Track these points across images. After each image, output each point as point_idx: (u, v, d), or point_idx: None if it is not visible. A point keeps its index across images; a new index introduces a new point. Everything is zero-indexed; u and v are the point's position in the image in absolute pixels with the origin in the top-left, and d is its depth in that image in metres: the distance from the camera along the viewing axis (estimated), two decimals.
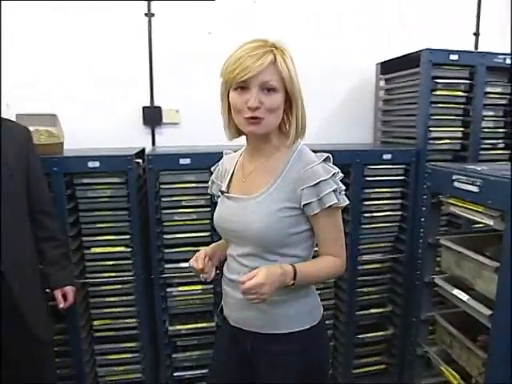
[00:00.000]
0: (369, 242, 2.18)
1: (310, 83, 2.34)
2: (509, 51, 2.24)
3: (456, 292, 1.61)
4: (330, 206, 1.08)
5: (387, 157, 2.10)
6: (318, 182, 1.07)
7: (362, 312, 2.26)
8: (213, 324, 2.08)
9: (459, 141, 2.17)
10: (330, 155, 1.12)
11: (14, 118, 1.76)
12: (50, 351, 1.73)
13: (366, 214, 2.12)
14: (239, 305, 1.18)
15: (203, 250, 1.22)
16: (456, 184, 1.60)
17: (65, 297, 1.68)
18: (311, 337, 1.18)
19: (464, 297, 1.56)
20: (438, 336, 1.78)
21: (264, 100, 1.04)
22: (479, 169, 1.58)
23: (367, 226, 2.14)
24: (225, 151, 1.33)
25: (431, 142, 2.12)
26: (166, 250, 1.97)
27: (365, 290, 2.24)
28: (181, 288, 2.04)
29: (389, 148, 2.26)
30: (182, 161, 1.88)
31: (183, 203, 1.94)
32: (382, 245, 2.22)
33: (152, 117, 2.29)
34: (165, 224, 1.95)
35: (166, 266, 1.99)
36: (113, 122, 2.21)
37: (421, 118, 2.10)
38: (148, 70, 2.26)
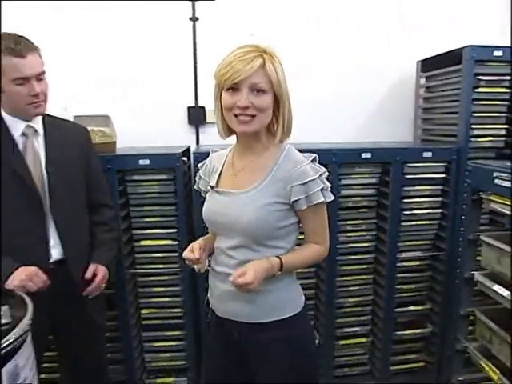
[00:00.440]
0: (408, 239, 2.19)
1: (351, 83, 2.43)
2: None
3: (497, 288, 1.61)
4: (316, 203, 1.17)
5: (427, 155, 2.10)
6: (307, 181, 1.15)
7: (400, 309, 2.28)
8: None
9: (503, 138, 2.13)
10: (316, 156, 1.21)
11: (71, 119, 1.90)
12: (104, 335, 1.86)
13: (406, 212, 2.13)
14: (226, 296, 1.25)
15: (197, 242, 1.28)
16: (497, 181, 1.60)
17: (94, 275, 1.64)
18: (295, 324, 1.25)
19: (505, 292, 1.56)
20: (478, 332, 1.78)
21: (253, 100, 1.12)
22: None
23: (407, 224, 2.15)
24: (212, 149, 1.40)
25: (473, 139, 2.10)
26: None
27: (404, 287, 2.25)
28: None
29: (429, 146, 2.25)
30: None
31: None
32: (421, 242, 2.22)
33: (196, 116, 2.40)
34: None
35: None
36: (160, 121, 2.33)
37: (462, 116, 2.09)
38: (193, 71, 2.36)
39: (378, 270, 2.24)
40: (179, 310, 2.13)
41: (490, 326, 1.67)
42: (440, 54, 2.25)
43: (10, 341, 1.01)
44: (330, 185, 1.21)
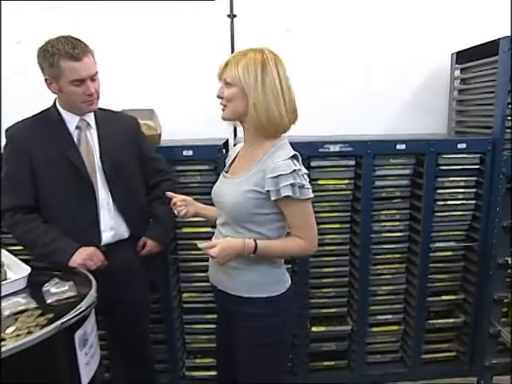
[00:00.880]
0: (442, 229, 2.22)
1: (387, 76, 2.47)
2: None
3: None
4: (285, 197, 1.27)
5: (462, 146, 2.12)
6: (278, 175, 1.26)
7: (432, 298, 2.32)
8: None
9: None
10: (297, 153, 1.33)
11: None
12: (149, 314, 1.99)
13: (440, 202, 2.17)
14: (215, 266, 1.44)
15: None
16: None
17: (144, 246, 1.82)
18: (271, 305, 1.40)
19: None
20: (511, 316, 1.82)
21: (224, 91, 1.32)
22: None
23: (440, 214, 2.18)
24: (238, 140, 1.54)
25: (509, 131, 2.11)
26: None
27: (437, 276, 2.28)
28: None
29: (464, 137, 2.27)
30: None
31: None
32: (455, 233, 2.25)
33: None
34: None
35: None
36: (200, 115, 2.43)
37: (498, 107, 2.10)
38: None
39: (412, 259, 2.28)
40: None
41: None
42: (476, 46, 2.25)
43: (82, 309, 1.13)
44: (305, 183, 1.30)
